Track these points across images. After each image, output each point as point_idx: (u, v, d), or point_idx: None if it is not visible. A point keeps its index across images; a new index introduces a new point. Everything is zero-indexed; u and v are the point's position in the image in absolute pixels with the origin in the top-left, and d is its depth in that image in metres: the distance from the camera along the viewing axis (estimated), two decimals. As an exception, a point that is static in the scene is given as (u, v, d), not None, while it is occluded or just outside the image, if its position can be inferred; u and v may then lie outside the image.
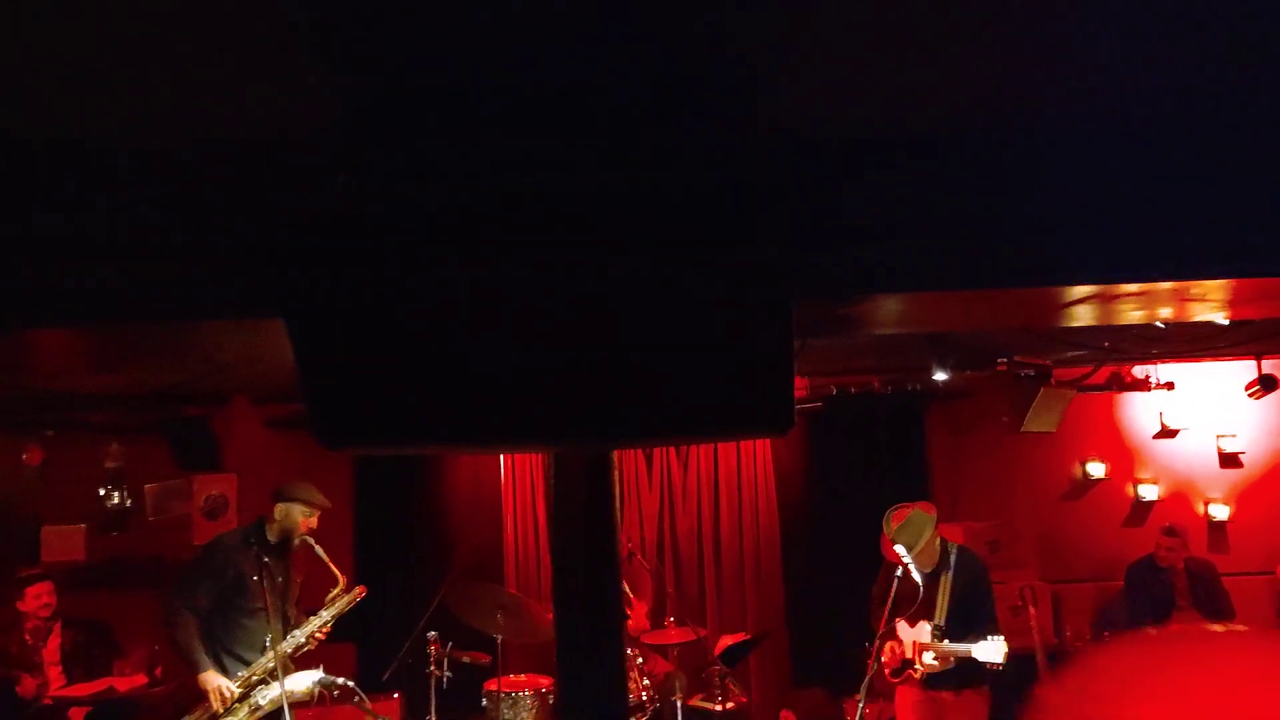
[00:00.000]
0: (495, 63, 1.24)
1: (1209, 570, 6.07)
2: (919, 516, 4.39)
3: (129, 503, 6.17)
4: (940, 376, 5.46)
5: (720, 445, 6.67)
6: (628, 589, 5.36)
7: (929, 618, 4.43)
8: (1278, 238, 1.61)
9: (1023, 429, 5.55)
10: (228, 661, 4.16)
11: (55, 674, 5.69)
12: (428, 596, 5.34)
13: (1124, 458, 6.75)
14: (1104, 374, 6.47)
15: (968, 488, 6.70)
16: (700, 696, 5.38)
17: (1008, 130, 1.59)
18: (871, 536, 4.68)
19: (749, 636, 5.87)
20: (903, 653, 4.56)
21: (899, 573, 4.37)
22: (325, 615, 4.33)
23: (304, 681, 4.22)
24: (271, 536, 4.30)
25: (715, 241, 1.20)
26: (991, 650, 4.19)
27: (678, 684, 5.10)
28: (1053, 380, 5.55)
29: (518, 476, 6.71)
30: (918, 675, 4.48)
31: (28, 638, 5.61)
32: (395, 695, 5.43)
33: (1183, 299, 2.58)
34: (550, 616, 1.55)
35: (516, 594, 5.47)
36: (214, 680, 4.05)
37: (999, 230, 1.65)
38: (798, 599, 6.63)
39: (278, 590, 4.21)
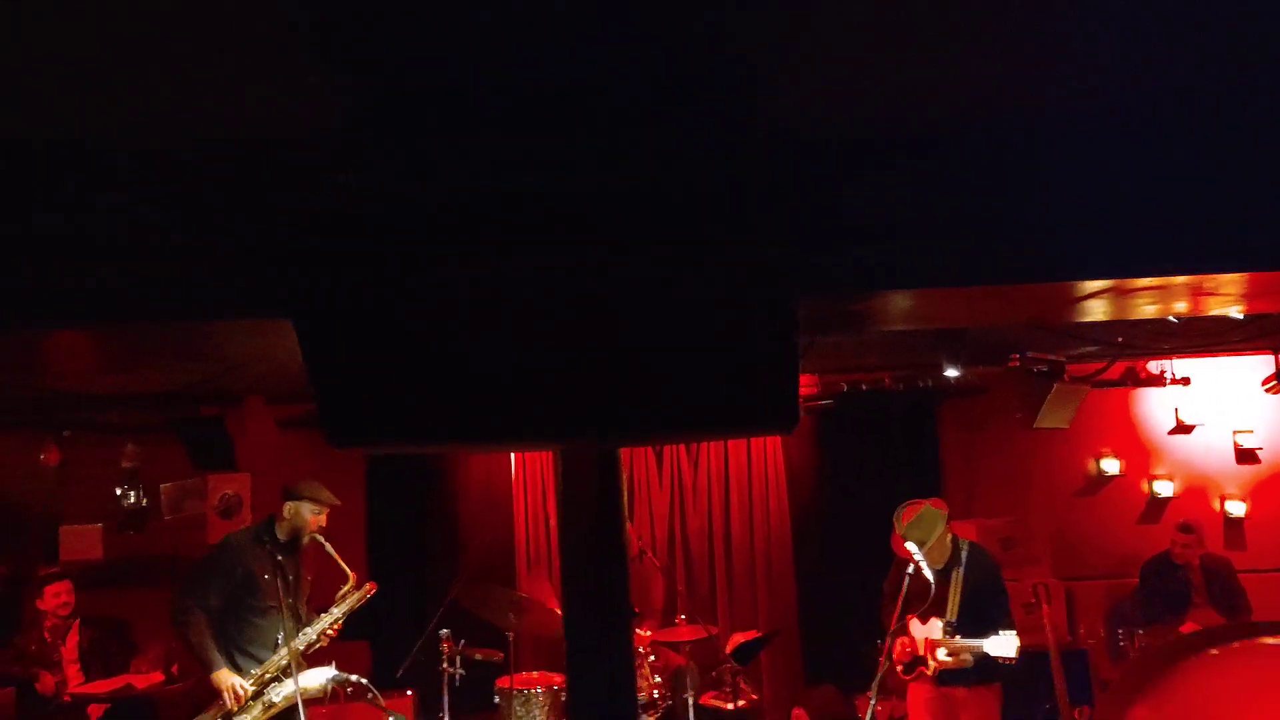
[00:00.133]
0: (495, 62, 1.24)
1: (1225, 567, 6.01)
2: (930, 513, 4.37)
3: (145, 502, 6.22)
4: (952, 373, 5.44)
5: (730, 443, 6.67)
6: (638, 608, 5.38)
7: (941, 615, 4.41)
8: (1293, 231, 1.60)
9: (1036, 425, 5.52)
10: (240, 660, 4.17)
11: (74, 671, 5.74)
12: (440, 594, 5.36)
13: (1139, 454, 6.71)
14: (1118, 369, 6.42)
15: (981, 484, 6.67)
16: (712, 694, 5.39)
17: (1019, 124, 1.58)
18: (883, 534, 4.67)
19: (760, 634, 5.87)
20: (914, 649, 4.55)
21: (910, 569, 4.36)
22: (336, 612, 4.34)
23: (317, 679, 4.25)
24: (281, 535, 4.32)
25: (717, 238, 1.20)
26: (1004, 644, 4.18)
27: (689, 681, 5.10)
28: (1066, 376, 5.51)
29: (528, 475, 6.72)
30: (930, 672, 4.47)
31: (47, 636, 5.66)
32: (408, 692, 5.46)
33: (1197, 293, 2.55)
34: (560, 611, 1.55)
35: (525, 595, 5.48)
36: (228, 679, 4.07)
37: (1011, 225, 1.64)
38: (809, 596, 6.62)
39: (289, 588, 4.22)
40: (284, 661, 4.15)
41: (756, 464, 6.68)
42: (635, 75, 1.27)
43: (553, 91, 1.27)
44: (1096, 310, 2.73)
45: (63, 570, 6.01)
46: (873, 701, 4.20)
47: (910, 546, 4.34)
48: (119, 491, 6.17)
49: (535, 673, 5.26)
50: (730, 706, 5.21)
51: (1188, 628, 5.71)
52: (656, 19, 1.18)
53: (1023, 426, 5.67)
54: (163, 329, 1.68)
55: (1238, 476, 6.66)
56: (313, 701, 4.19)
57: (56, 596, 5.72)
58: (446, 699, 5.02)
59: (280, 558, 4.26)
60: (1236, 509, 6.57)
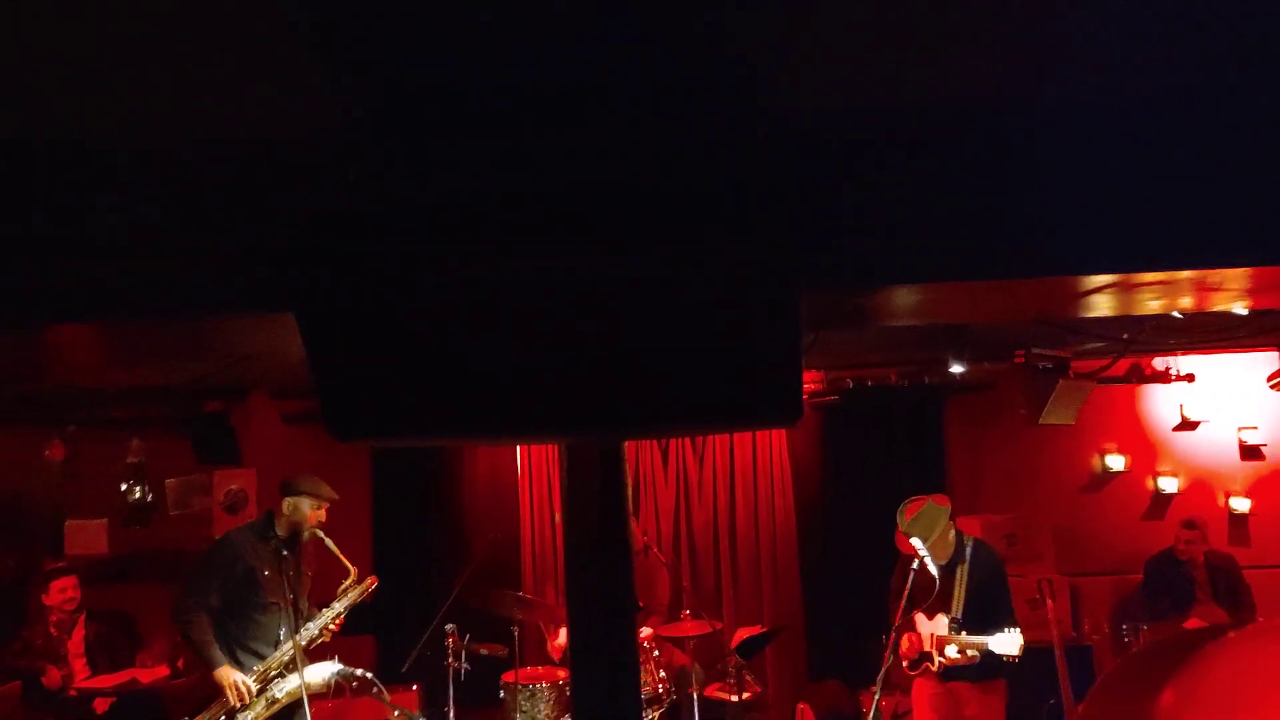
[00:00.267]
0: (496, 61, 1.24)
1: (1229, 563, 6.01)
2: (932, 509, 4.37)
3: (150, 497, 6.24)
4: (957, 369, 5.43)
5: (736, 438, 6.67)
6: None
7: (946, 610, 4.41)
8: (1297, 226, 1.59)
9: (1040, 421, 5.51)
10: (242, 656, 4.16)
11: (80, 666, 5.76)
12: (445, 590, 5.37)
13: (1144, 450, 6.70)
14: (1123, 366, 6.41)
15: (986, 480, 6.67)
16: (717, 688, 5.39)
17: (1023, 119, 1.58)
18: (888, 530, 4.67)
19: (765, 629, 5.87)
20: (920, 645, 4.55)
21: (915, 566, 4.36)
22: (338, 607, 4.32)
23: (320, 674, 4.24)
24: (281, 531, 4.29)
25: (719, 232, 1.20)
26: (1008, 642, 4.18)
27: (695, 676, 5.11)
28: (1071, 372, 5.50)
29: (534, 472, 6.73)
30: (935, 668, 4.47)
31: (52, 630, 5.68)
32: (414, 687, 5.48)
33: (1202, 288, 2.54)
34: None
35: (530, 597, 5.50)
36: (230, 675, 4.05)
37: (1015, 220, 1.64)
38: (814, 592, 6.63)
39: (290, 584, 4.19)
40: (286, 657, 4.15)
41: (762, 460, 6.68)
42: (637, 73, 1.27)
43: (554, 90, 1.27)
44: (1101, 305, 2.72)
45: (68, 565, 6.03)
46: (877, 696, 4.20)
47: (914, 542, 4.34)
48: (124, 487, 6.19)
49: (540, 668, 5.27)
50: (735, 699, 5.22)
51: (1192, 623, 5.71)
52: (657, 18, 1.18)
53: (1028, 423, 5.67)
54: (168, 325, 1.69)
55: (1242, 473, 6.65)
56: (316, 696, 4.18)
57: (62, 591, 5.73)
58: (451, 693, 5.03)
59: (280, 554, 4.23)
60: (1241, 505, 6.57)
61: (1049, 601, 5.19)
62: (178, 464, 6.23)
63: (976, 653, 4.30)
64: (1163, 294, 2.73)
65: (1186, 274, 2.09)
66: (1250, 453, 6.64)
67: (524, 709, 4.88)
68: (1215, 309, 3.20)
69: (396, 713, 4.53)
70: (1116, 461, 6.65)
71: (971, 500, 6.44)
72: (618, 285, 1.16)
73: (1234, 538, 6.52)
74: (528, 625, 5.18)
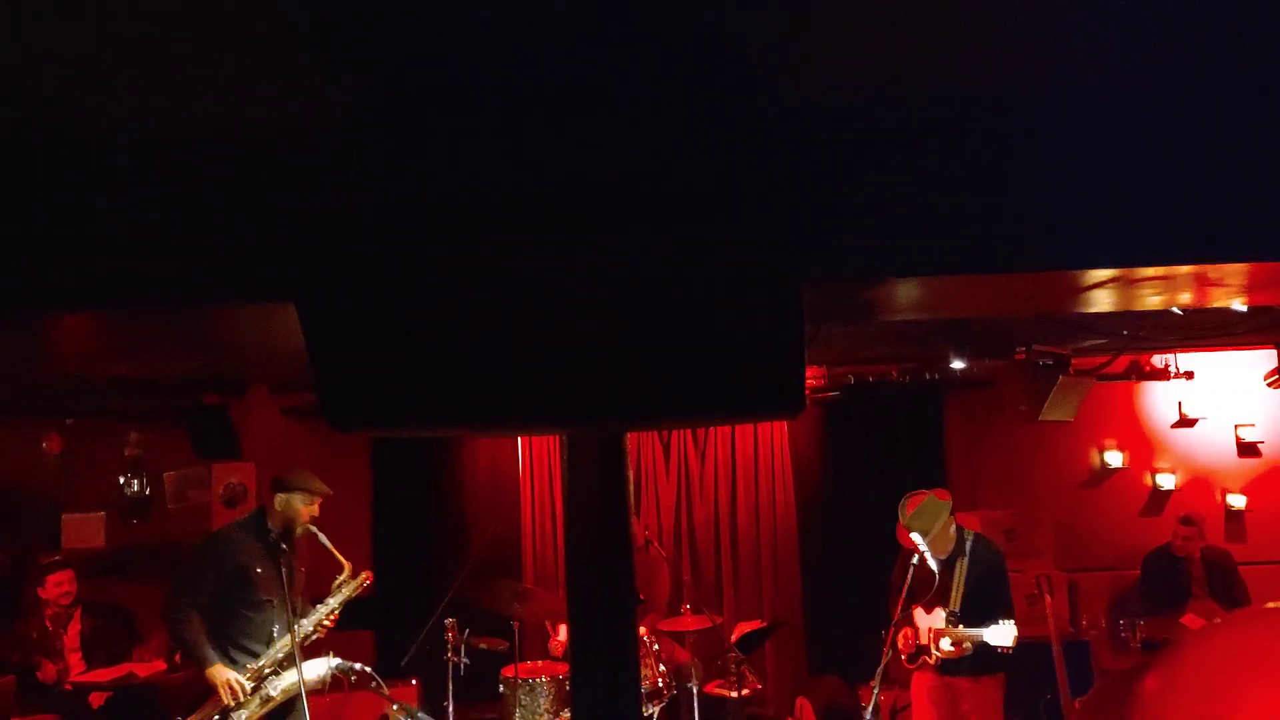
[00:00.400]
0: (496, 59, 1.24)
1: (1226, 559, 6.03)
2: (933, 503, 4.38)
3: (148, 490, 6.23)
4: (958, 365, 5.43)
5: (738, 434, 6.68)
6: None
7: (945, 604, 4.42)
8: (1298, 220, 1.59)
9: (1040, 418, 5.52)
10: (235, 654, 4.10)
11: (75, 660, 5.75)
12: (445, 584, 5.36)
13: (1142, 447, 6.71)
14: (1123, 363, 6.42)
15: (986, 476, 6.68)
16: (717, 683, 5.40)
17: (1026, 114, 1.58)
18: (888, 526, 4.67)
19: (765, 624, 5.88)
20: (918, 639, 4.56)
21: (914, 560, 4.37)
22: (332, 603, 4.28)
23: (316, 670, 4.20)
24: (273, 527, 4.24)
25: (723, 225, 1.20)
26: (1002, 634, 4.20)
27: (694, 671, 5.11)
28: (1071, 369, 5.50)
29: (535, 465, 6.73)
30: (933, 661, 4.48)
31: (48, 624, 5.67)
32: (413, 681, 5.47)
33: (1202, 283, 2.55)
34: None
35: (531, 588, 5.50)
36: (223, 674, 4.00)
37: (1016, 213, 1.64)
38: (814, 587, 6.63)
39: (283, 581, 4.13)
40: (280, 654, 4.11)
41: (763, 455, 6.68)
42: (638, 71, 1.27)
43: (554, 87, 1.27)
44: (1102, 301, 2.72)
45: (64, 559, 6.02)
46: (876, 691, 4.21)
47: (914, 537, 4.35)
48: (122, 480, 6.19)
49: (540, 662, 5.27)
50: (735, 695, 5.22)
51: (1188, 619, 5.73)
52: (657, 15, 1.17)
53: (1027, 419, 5.67)
54: (169, 314, 1.69)
55: (1239, 470, 6.67)
56: (312, 693, 4.14)
57: (58, 585, 5.72)
58: (451, 688, 5.03)
59: (273, 550, 4.18)
60: (1237, 502, 6.59)
61: (1047, 597, 5.19)
62: (176, 457, 6.22)
63: (970, 645, 4.31)
64: (1162, 289, 2.73)
65: (1186, 269, 2.09)
66: (1247, 450, 6.66)
67: (523, 704, 4.88)
68: (1214, 305, 3.21)
69: (395, 707, 4.52)
70: (1115, 458, 6.67)
71: (971, 496, 6.45)
72: (620, 277, 1.16)
73: (1230, 534, 6.54)
74: (528, 620, 5.17)
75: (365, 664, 4.40)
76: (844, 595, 6.24)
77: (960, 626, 4.36)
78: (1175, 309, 3.59)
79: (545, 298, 1.16)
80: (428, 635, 5.22)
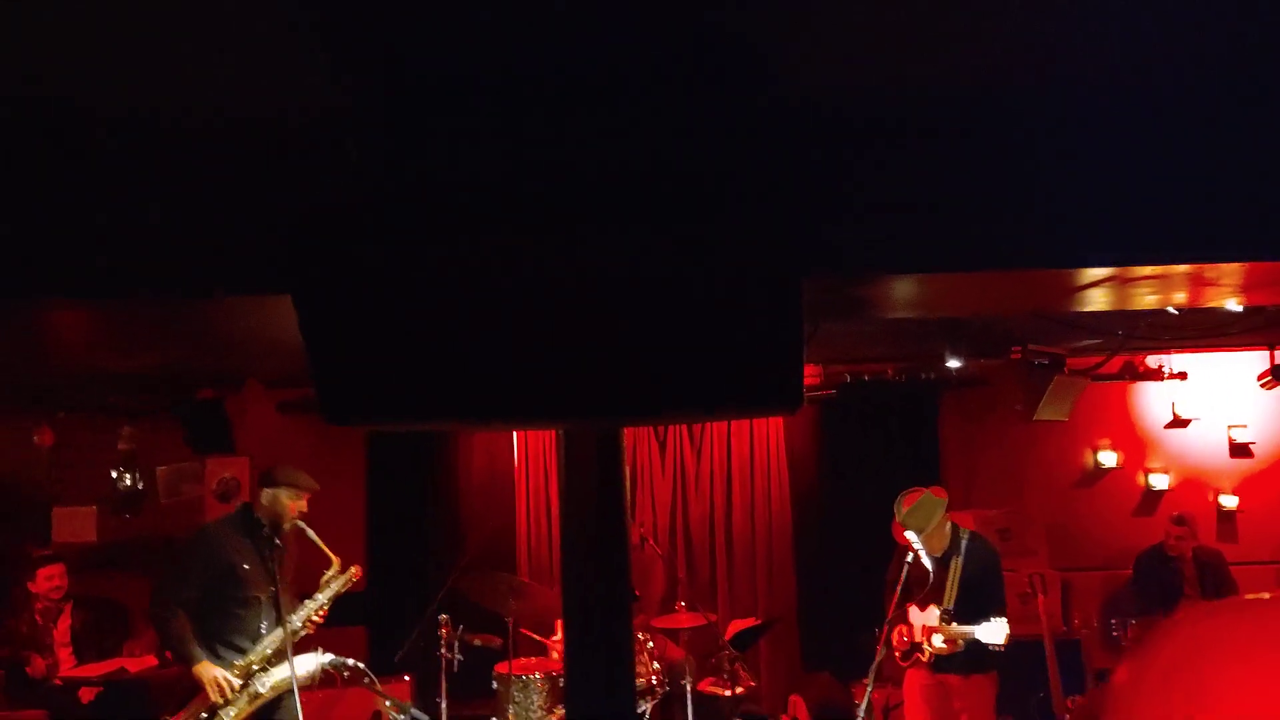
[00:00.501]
0: (497, 54, 1.23)
1: (1217, 559, 6.06)
2: (929, 500, 4.39)
3: (141, 485, 6.20)
4: (954, 364, 5.44)
5: (733, 433, 6.69)
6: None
7: (939, 602, 4.43)
8: (1295, 219, 1.60)
9: (1035, 417, 5.53)
10: (223, 651, 4.06)
11: (66, 655, 5.73)
12: (440, 580, 5.35)
13: (1136, 447, 6.74)
14: (1117, 363, 6.44)
15: (980, 475, 6.69)
16: (710, 680, 5.40)
17: (1024, 112, 1.58)
18: (883, 524, 4.68)
19: (759, 622, 5.88)
20: (912, 637, 4.57)
21: (909, 558, 4.38)
22: (321, 598, 4.25)
23: (307, 665, 4.16)
24: (264, 521, 4.20)
25: (724, 220, 1.19)
26: (994, 631, 4.21)
27: (688, 668, 5.11)
28: (1066, 369, 5.52)
29: (531, 462, 6.72)
30: (925, 658, 4.49)
31: (38, 618, 5.64)
32: (406, 677, 5.46)
33: (1198, 283, 2.56)
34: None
35: (527, 580, 5.49)
36: (211, 671, 3.96)
37: (1013, 212, 1.64)
38: (809, 585, 6.64)
39: (271, 577, 4.10)
40: (269, 651, 4.08)
41: (759, 453, 6.69)
42: (639, 68, 1.27)
43: (554, 83, 1.27)
44: (1098, 299, 2.73)
45: (55, 553, 5.99)
46: (869, 688, 4.22)
47: (909, 535, 4.36)
48: (114, 474, 6.15)
49: (534, 659, 5.26)
50: (728, 693, 5.22)
51: (1181, 619, 5.74)
52: (658, 12, 1.17)
53: (1022, 418, 5.68)
54: (164, 306, 1.68)
55: (1231, 470, 6.70)
56: (301, 688, 4.08)
57: (49, 579, 5.69)
58: (444, 684, 5.02)
59: (260, 546, 4.14)
60: (1229, 502, 6.62)
61: (1040, 596, 5.22)
62: (169, 451, 6.20)
63: (963, 642, 4.32)
64: (1158, 288, 2.74)
65: (1182, 268, 2.10)
66: (1240, 450, 6.69)
67: (517, 700, 4.87)
68: (1209, 305, 3.22)
69: (388, 703, 4.51)
70: (1109, 458, 6.69)
71: (965, 495, 6.46)
72: (618, 272, 1.16)
73: (1222, 534, 6.57)
74: (522, 616, 5.16)
75: (359, 660, 4.38)
76: (838, 593, 6.25)
77: (953, 624, 4.37)
78: (1170, 308, 3.60)
79: (544, 293, 1.16)
80: (421, 632, 5.21)
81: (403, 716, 4.48)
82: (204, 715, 3.99)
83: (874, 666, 4.24)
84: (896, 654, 4.63)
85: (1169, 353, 6.52)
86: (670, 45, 1.29)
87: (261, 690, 4.06)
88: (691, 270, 1.16)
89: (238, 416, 5.93)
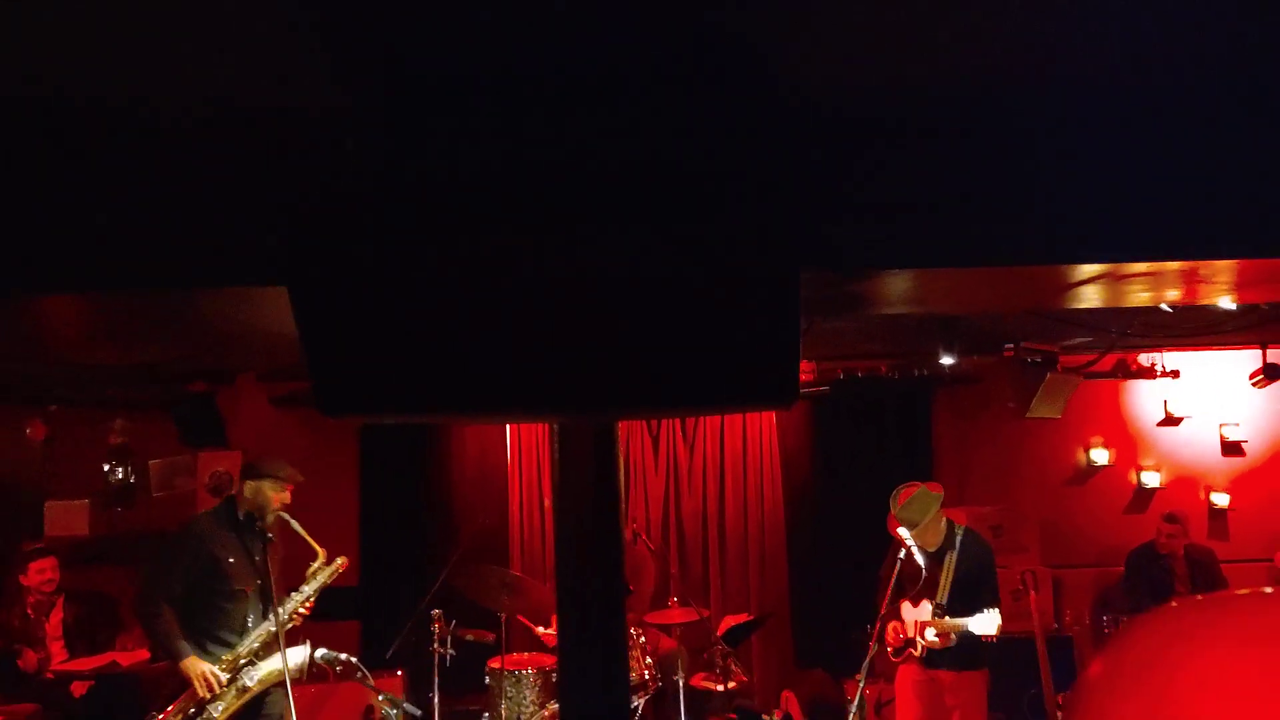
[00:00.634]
0: (497, 50, 1.23)
1: (1209, 557, 6.09)
2: (925, 495, 4.41)
3: (133, 478, 6.18)
4: (947, 361, 5.45)
5: (726, 428, 6.69)
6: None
7: (931, 597, 4.45)
8: (1289, 218, 1.60)
9: (1028, 415, 5.55)
10: (210, 646, 4.05)
11: (57, 649, 5.71)
12: (432, 575, 5.35)
13: (1128, 445, 6.76)
14: (1110, 361, 6.46)
15: (973, 472, 6.71)
16: (703, 676, 5.41)
17: (1020, 110, 1.59)
18: (876, 521, 4.69)
19: (752, 617, 5.89)
20: (905, 633, 4.58)
21: (903, 554, 4.40)
22: (307, 590, 4.23)
23: (294, 658, 4.13)
24: (243, 515, 4.19)
25: (722, 216, 1.20)
26: (985, 622, 4.23)
27: (680, 663, 5.12)
28: (1059, 367, 5.54)
29: (524, 456, 6.72)
30: (918, 653, 4.50)
31: (30, 612, 5.62)
32: (398, 672, 5.46)
33: (1191, 280, 2.56)
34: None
35: (520, 575, 5.49)
36: (198, 666, 3.95)
37: (1008, 208, 1.65)
38: (801, 581, 6.66)
39: (257, 570, 4.09)
40: (256, 644, 4.07)
41: (752, 449, 6.70)
42: (638, 65, 1.27)
43: (554, 80, 1.27)
44: (1091, 296, 2.74)
45: (47, 546, 5.96)
46: (861, 684, 4.23)
47: (901, 531, 4.38)
48: (107, 467, 6.13)
49: (526, 654, 5.27)
50: (720, 688, 5.24)
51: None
52: (659, 10, 1.17)
53: (1015, 416, 5.70)
54: (159, 297, 1.68)
55: (1223, 468, 6.73)
56: (292, 681, 4.11)
57: (41, 573, 5.66)
58: (437, 679, 5.02)
59: (245, 539, 4.13)
60: (1221, 500, 6.65)
61: (1032, 593, 5.23)
62: (162, 445, 6.18)
63: (955, 636, 4.34)
64: (1152, 285, 2.75)
65: (1175, 265, 2.10)
66: (1231, 449, 6.72)
67: (510, 695, 4.88)
68: (1203, 302, 3.23)
69: (381, 698, 4.50)
70: (1101, 455, 6.71)
71: (958, 492, 6.48)
72: (616, 270, 1.16)
73: (1214, 532, 6.60)
74: (514, 611, 5.17)
75: (351, 655, 4.37)
76: (830, 589, 6.27)
77: (945, 618, 4.39)
78: (1164, 306, 3.61)
79: (542, 290, 1.16)
80: (414, 626, 5.21)
81: (395, 711, 4.48)
82: (192, 710, 3.97)
83: (866, 662, 4.26)
84: (889, 650, 4.64)
85: (1161, 351, 6.54)
86: (670, 45, 1.29)
87: (249, 684, 4.05)
88: (690, 268, 1.16)
89: (231, 410, 5.91)
